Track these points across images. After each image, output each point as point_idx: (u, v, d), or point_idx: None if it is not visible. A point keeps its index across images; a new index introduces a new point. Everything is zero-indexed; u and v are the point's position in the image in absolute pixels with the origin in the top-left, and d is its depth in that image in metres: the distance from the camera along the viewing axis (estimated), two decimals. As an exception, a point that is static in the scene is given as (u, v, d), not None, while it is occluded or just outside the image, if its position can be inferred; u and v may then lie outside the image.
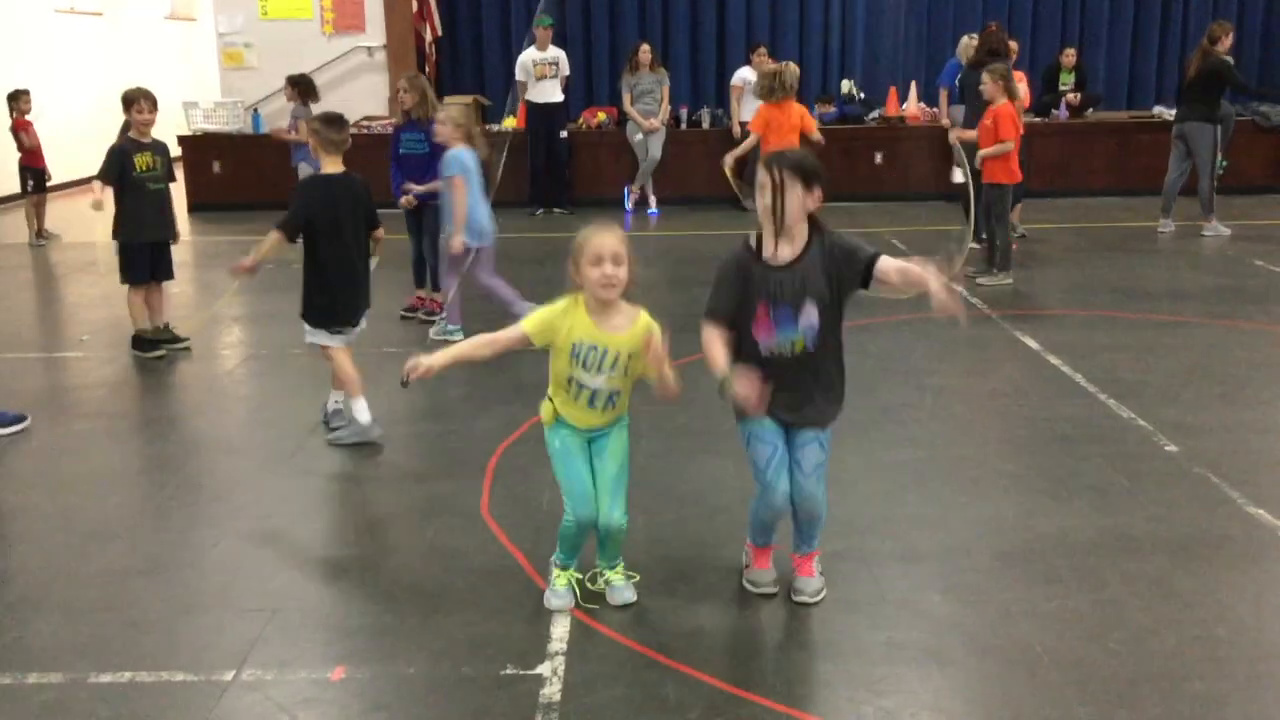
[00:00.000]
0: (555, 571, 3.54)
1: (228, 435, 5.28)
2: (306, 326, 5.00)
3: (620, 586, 3.51)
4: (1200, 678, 3.04)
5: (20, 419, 5.24)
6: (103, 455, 4.98)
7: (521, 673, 3.10)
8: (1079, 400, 5.43)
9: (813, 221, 3.27)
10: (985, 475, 4.53)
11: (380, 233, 5.15)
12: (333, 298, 4.94)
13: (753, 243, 3.31)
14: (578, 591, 3.50)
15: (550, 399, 3.43)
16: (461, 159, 6.27)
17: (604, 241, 3.21)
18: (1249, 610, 3.41)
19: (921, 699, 2.97)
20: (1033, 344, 6.44)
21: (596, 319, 3.27)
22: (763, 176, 3.20)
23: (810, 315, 3.23)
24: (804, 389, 3.32)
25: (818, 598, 3.46)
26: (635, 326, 3.29)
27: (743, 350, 3.30)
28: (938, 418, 5.23)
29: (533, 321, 3.34)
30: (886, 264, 3.21)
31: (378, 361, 6.27)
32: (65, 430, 5.26)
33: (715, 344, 3.26)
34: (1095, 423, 5.09)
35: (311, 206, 4.87)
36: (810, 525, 3.46)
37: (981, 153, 8.05)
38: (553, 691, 3.01)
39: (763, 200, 3.21)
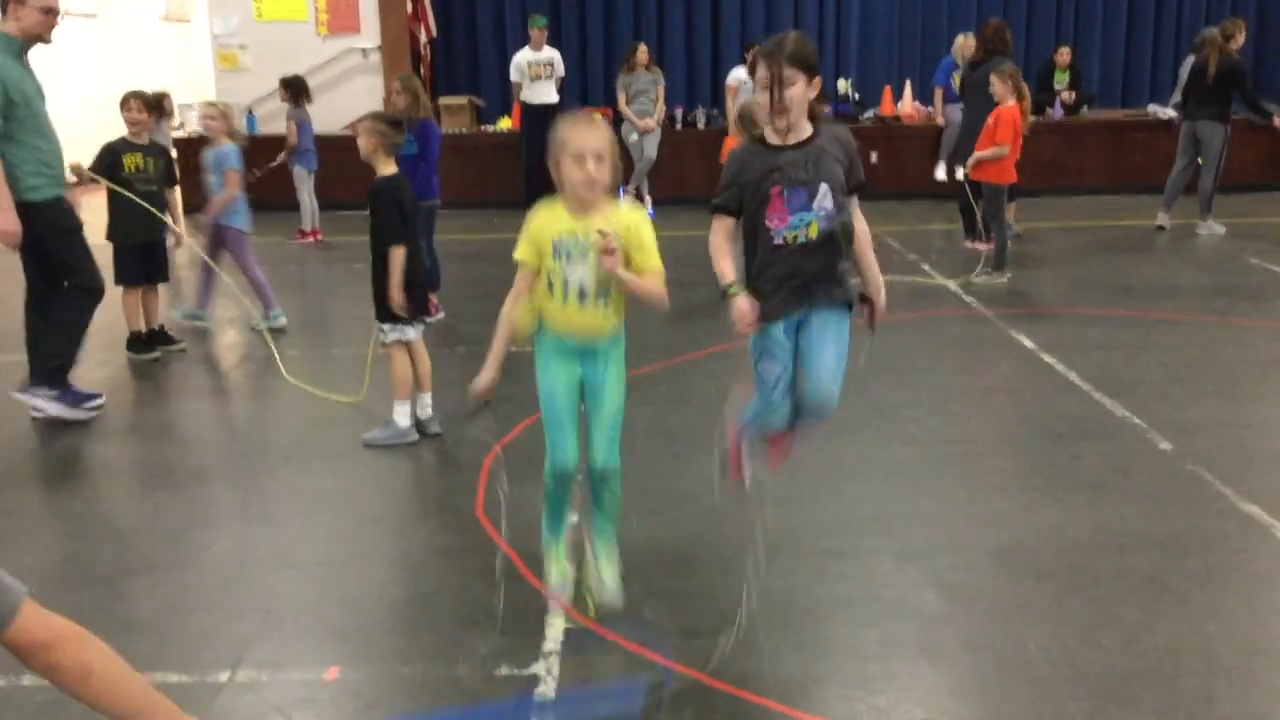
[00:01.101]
0: (549, 560, 3.51)
1: (223, 436, 5.28)
2: (386, 327, 4.91)
3: (610, 587, 3.43)
4: (1192, 674, 3.05)
5: (95, 396, 5.43)
6: (98, 456, 4.98)
7: (516, 672, 3.11)
8: (1073, 398, 5.44)
9: (812, 113, 3.29)
10: (979, 473, 4.54)
11: None
12: (412, 293, 4.91)
13: (760, 135, 3.37)
14: (569, 582, 3.48)
15: (539, 315, 3.28)
16: (231, 155, 6.84)
17: (585, 139, 3.08)
18: (1241, 607, 3.42)
19: (914, 696, 2.98)
20: (1028, 342, 6.45)
21: (576, 214, 3.18)
22: (763, 71, 3.22)
23: (825, 196, 3.25)
24: (813, 274, 3.32)
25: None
26: (618, 213, 3.21)
27: (756, 242, 3.33)
28: (933, 415, 5.23)
29: (521, 249, 3.25)
30: (858, 213, 3.38)
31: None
32: (60, 432, 5.25)
33: (722, 251, 3.34)
34: (1089, 420, 5.11)
35: (402, 207, 4.84)
36: (816, 422, 3.48)
37: (977, 155, 8.07)
38: (547, 690, 3.01)
39: (764, 95, 3.23)
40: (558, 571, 3.52)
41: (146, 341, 6.58)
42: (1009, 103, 8.03)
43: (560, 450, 3.29)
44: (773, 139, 3.30)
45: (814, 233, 3.28)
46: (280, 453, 4.97)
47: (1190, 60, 12.29)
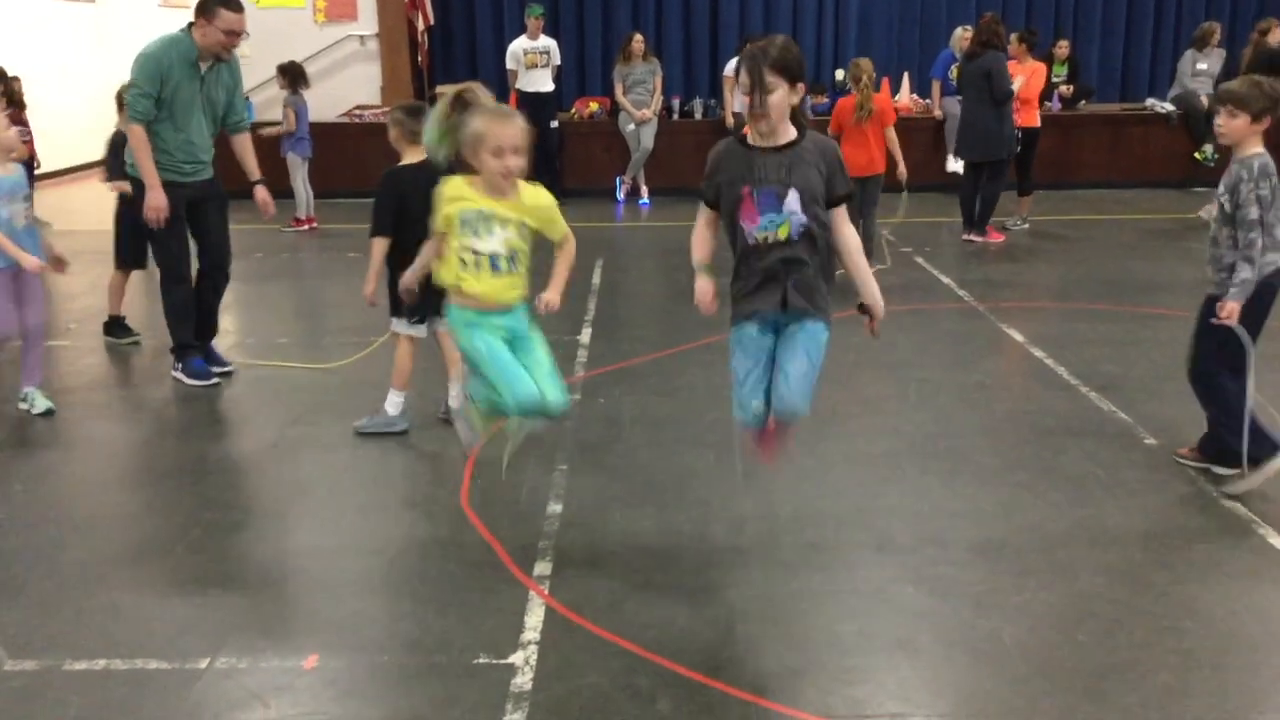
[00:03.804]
0: (475, 416, 3.70)
1: (207, 425, 5.29)
2: (392, 317, 4.92)
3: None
4: (1167, 669, 3.06)
5: (211, 373, 5.79)
6: (83, 444, 4.99)
7: (494, 662, 3.12)
8: (1061, 393, 5.45)
9: (794, 117, 3.30)
10: (963, 467, 4.55)
11: None
12: (426, 288, 4.83)
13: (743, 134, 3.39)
14: (479, 436, 3.75)
15: (454, 285, 3.50)
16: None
17: (505, 133, 3.32)
18: (1219, 603, 3.43)
19: (889, 689, 2.99)
20: (1017, 336, 6.46)
21: (489, 194, 3.43)
22: (744, 75, 3.23)
23: (793, 201, 3.26)
24: (786, 278, 3.34)
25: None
26: (523, 195, 3.46)
27: (735, 239, 3.39)
28: (918, 409, 5.24)
29: (435, 218, 3.51)
30: (841, 220, 3.37)
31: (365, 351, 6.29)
32: (47, 419, 5.26)
33: (699, 237, 3.49)
34: (1076, 416, 5.11)
35: (401, 198, 4.70)
36: (785, 426, 3.52)
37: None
38: (524, 681, 3.03)
39: (745, 97, 3.25)
40: (479, 424, 3.71)
41: (125, 325, 6.64)
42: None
43: (522, 388, 3.42)
44: (753, 140, 3.32)
45: (784, 234, 3.29)
46: (264, 441, 4.98)
47: (1189, 53, 12.31)
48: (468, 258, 3.43)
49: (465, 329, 3.50)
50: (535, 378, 3.47)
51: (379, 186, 4.74)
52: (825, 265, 3.42)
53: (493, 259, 3.42)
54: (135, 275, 6.78)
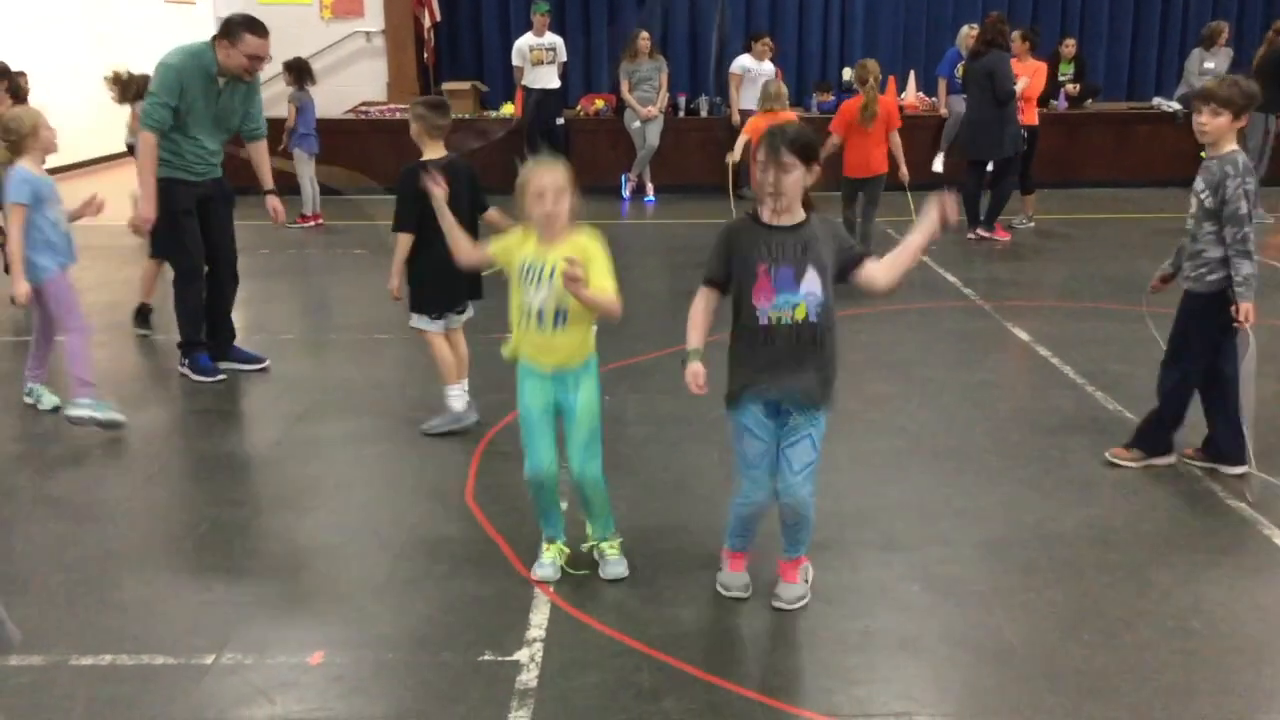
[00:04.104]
0: (544, 544, 3.65)
1: (214, 421, 5.29)
2: (411, 313, 4.88)
3: (613, 560, 3.61)
4: (1172, 669, 3.06)
5: (259, 359, 5.91)
6: (89, 439, 4.99)
7: (499, 659, 3.13)
8: (1066, 392, 5.44)
9: (806, 202, 3.27)
10: (968, 466, 4.55)
11: (494, 214, 4.64)
12: (444, 284, 4.78)
13: (754, 211, 3.32)
14: (561, 565, 3.60)
15: (510, 338, 3.53)
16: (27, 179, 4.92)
17: (543, 180, 3.36)
18: (1224, 603, 3.43)
19: (893, 688, 3.00)
20: (1023, 335, 6.46)
21: (541, 241, 3.44)
22: (762, 153, 3.21)
23: (813, 281, 3.20)
24: (798, 364, 3.24)
25: (796, 605, 3.41)
26: (574, 240, 3.42)
27: (740, 319, 3.28)
28: (924, 408, 5.24)
29: (496, 244, 3.56)
30: (872, 270, 3.27)
31: (375, 346, 6.31)
32: (54, 414, 5.27)
33: (695, 319, 3.36)
34: (1081, 415, 5.11)
35: (423, 194, 4.68)
36: (796, 528, 3.39)
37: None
38: (530, 678, 3.03)
39: (761, 175, 3.21)
40: (549, 557, 3.62)
41: (146, 317, 6.66)
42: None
43: (534, 458, 3.50)
44: (766, 217, 3.26)
45: (800, 315, 3.20)
46: (271, 438, 4.99)
47: (1196, 52, 12.27)
48: (518, 312, 3.46)
49: (519, 381, 3.53)
50: (568, 443, 3.48)
51: (400, 182, 4.68)
52: (833, 340, 3.30)
53: (539, 314, 3.39)
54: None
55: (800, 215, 3.24)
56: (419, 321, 4.89)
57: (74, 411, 4.90)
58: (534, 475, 3.51)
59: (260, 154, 5.88)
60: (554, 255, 3.34)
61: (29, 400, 5.32)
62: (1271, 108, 9.80)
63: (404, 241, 4.70)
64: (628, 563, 3.62)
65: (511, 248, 3.49)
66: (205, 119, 5.55)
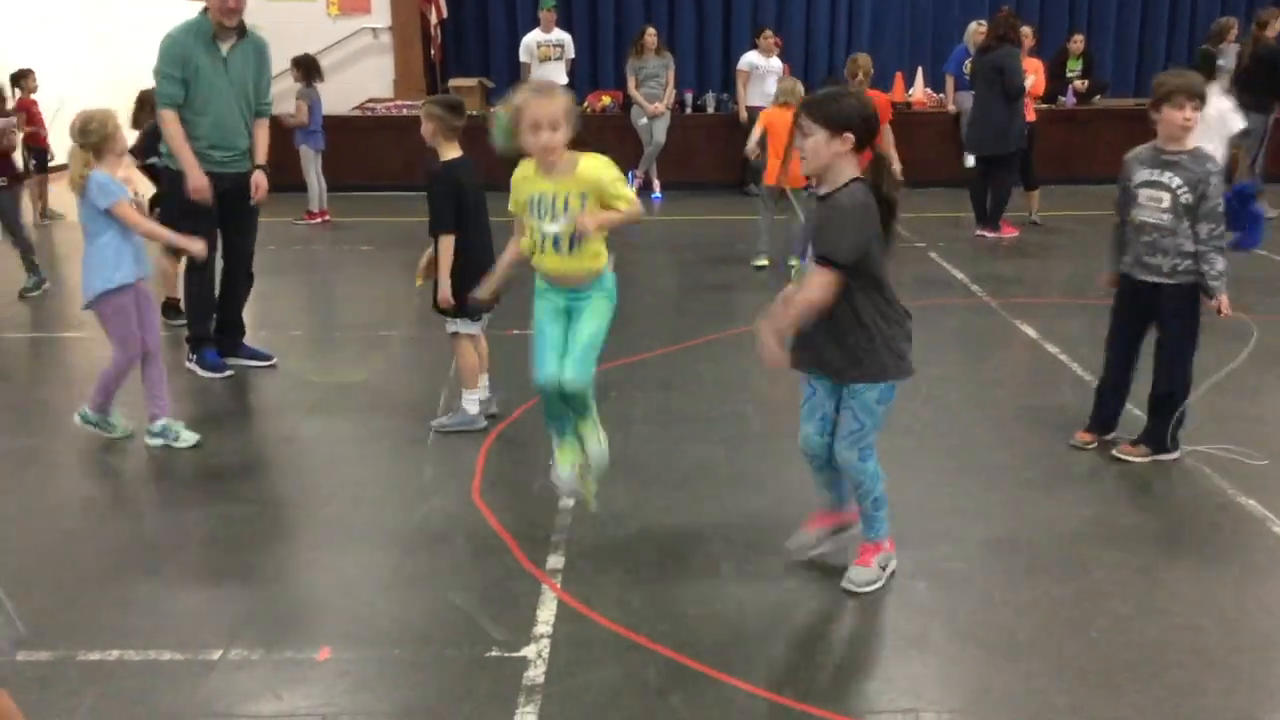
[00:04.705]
0: (557, 452, 3.80)
1: (221, 417, 5.30)
2: (448, 316, 4.79)
3: (595, 453, 3.74)
4: (1180, 667, 3.05)
5: (268, 356, 5.89)
6: (97, 434, 5.00)
7: (506, 655, 3.13)
8: (1074, 389, 5.43)
9: (872, 163, 3.25)
10: (975, 463, 4.54)
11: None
12: (476, 284, 4.68)
13: None
14: (575, 472, 3.78)
15: (530, 257, 3.67)
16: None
17: (540, 108, 3.38)
18: (1232, 600, 3.42)
19: (901, 684, 2.99)
20: (1031, 333, 6.44)
21: (544, 172, 3.52)
22: (800, 119, 3.26)
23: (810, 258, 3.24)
24: (816, 335, 3.29)
25: (862, 589, 3.43)
26: (578, 169, 3.49)
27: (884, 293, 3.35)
28: (931, 405, 5.23)
29: (511, 204, 3.68)
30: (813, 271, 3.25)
31: (372, 343, 6.30)
32: (63, 410, 5.28)
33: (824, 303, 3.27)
34: (1088, 412, 5.08)
35: (459, 193, 4.63)
36: (858, 495, 3.47)
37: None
38: (537, 674, 3.03)
39: (799, 140, 3.26)
40: (564, 461, 3.77)
41: (177, 310, 6.63)
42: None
43: (543, 369, 3.63)
44: (814, 185, 3.35)
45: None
46: (279, 434, 4.99)
47: (1202, 50, 12.23)
48: (536, 237, 3.57)
49: (536, 295, 3.68)
50: (566, 346, 3.61)
51: (436, 183, 4.64)
52: (855, 317, 3.30)
53: (556, 240, 3.52)
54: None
55: (836, 185, 3.22)
56: (462, 325, 4.79)
57: (77, 419, 4.82)
58: (543, 384, 3.63)
59: (261, 130, 5.81)
60: (564, 187, 3.47)
61: (157, 441, 4.75)
62: (1266, 108, 9.76)
63: (446, 243, 4.62)
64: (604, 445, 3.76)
65: (516, 186, 3.61)
66: (216, 89, 5.47)
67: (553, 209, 3.50)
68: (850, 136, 3.17)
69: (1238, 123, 7.22)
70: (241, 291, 5.96)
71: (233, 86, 5.55)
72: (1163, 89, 4.28)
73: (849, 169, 3.21)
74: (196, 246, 4.86)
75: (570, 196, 3.49)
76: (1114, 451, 4.53)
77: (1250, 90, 9.70)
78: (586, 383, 3.63)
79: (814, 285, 3.19)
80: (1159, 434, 4.47)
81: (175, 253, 6.59)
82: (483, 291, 4.02)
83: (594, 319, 3.64)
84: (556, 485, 3.85)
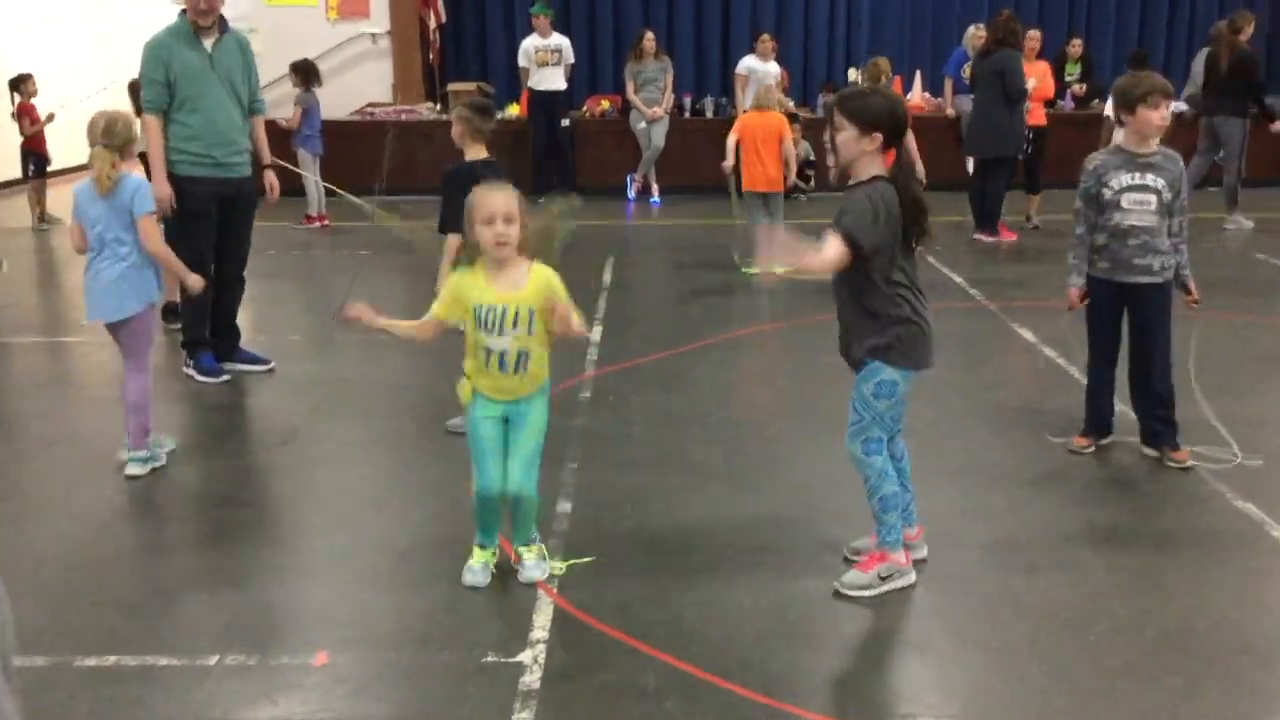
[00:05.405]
0: (475, 550, 3.59)
1: (219, 421, 5.30)
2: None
3: (531, 564, 3.57)
4: (1178, 671, 3.05)
5: (265, 361, 5.88)
6: (93, 439, 4.99)
7: (502, 660, 3.12)
8: (1072, 392, 5.40)
9: (896, 163, 3.32)
10: (973, 466, 4.53)
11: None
12: None
13: None
14: (492, 570, 3.58)
15: (467, 376, 3.48)
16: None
17: (495, 201, 3.29)
18: (1230, 604, 3.41)
19: (899, 689, 2.99)
20: (1029, 336, 6.44)
21: (494, 279, 3.36)
22: (832, 114, 3.34)
23: (830, 244, 3.28)
24: (840, 320, 3.47)
25: (849, 590, 3.42)
26: (531, 280, 3.36)
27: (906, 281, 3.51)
28: (930, 407, 5.21)
29: (439, 303, 3.46)
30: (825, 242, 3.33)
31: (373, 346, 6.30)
32: (62, 415, 5.28)
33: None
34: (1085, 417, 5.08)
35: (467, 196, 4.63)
36: (866, 492, 3.50)
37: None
38: (533, 679, 3.02)
39: (828, 135, 3.34)
40: (478, 560, 3.59)
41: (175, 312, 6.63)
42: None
43: (483, 476, 3.47)
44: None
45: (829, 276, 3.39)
46: (275, 438, 4.99)
47: (1204, 53, 12.23)
48: (479, 354, 3.40)
49: (472, 404, 3.49)
50: (509, 455, 3.45)
51: (449, 182, 4.61)
52: (861, 304, 3.44)
53: (501, 358, 3.37)
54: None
55: (862, 177, 3.31)
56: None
57: (137, 470, 4.44)
58: (483, 492, 3.48)
59: (257, 129, 5.82)
60: (514, 299, 3.32)
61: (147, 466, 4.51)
62: (1242, 112, 9.76)
63: (453, 242, 4.58)
64: (544, 565, 3.59)
65: (455, 293, 3.40)
66: (205, 87, 5.47)
67: (500, 323, 3.33)
68: (879, 136, 3.25)
69: None
70: (234, 296, 5.96)
71: (221, 82, 5.55)
72: (1138, 90, 4.27)
73: (874, 167, 3.29)
74: (194, 282, 4.69)
75: (520, 310, 3.33)
76: (1166, 462, 4.47)
77: (1229, 94, 9.71)
78: (532, 489, 3.49)
79: (829, 254, 3.25)
80: (1174, 426, 4.50)
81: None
82: (354, 310, 3.47)
83: (538, 423, 3.49)
84: (465, 582, 3.53)
